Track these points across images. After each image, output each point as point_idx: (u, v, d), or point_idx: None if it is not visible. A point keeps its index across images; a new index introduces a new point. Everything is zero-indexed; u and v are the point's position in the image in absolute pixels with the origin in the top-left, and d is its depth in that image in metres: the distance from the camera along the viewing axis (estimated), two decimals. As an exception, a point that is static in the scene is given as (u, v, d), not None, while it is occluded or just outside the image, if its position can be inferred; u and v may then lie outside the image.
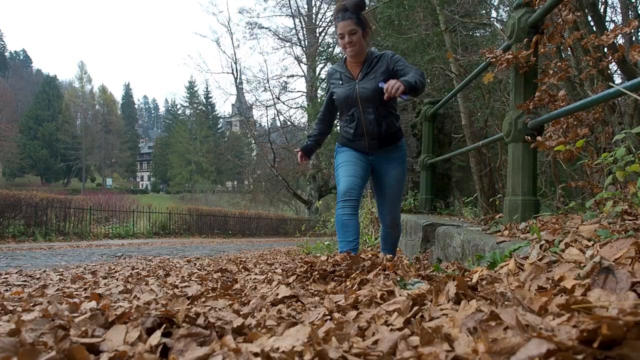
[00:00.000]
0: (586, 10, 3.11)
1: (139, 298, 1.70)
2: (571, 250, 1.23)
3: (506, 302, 0.97)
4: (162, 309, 1.14)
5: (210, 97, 62.40)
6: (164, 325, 0.99)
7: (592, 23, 3.20)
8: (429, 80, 8.04)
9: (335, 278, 1.71)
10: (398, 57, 2.56)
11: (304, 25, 22.42)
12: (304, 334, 0.86)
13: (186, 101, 63.29)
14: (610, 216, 1.47)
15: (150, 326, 0.98)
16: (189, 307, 1.28)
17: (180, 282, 2.24)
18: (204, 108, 62.12)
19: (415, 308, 1.01)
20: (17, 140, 46.49)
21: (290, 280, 1.70)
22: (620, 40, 3.42)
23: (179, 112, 65.67)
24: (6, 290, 2.10)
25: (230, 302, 1.43)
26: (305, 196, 22.99)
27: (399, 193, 2.71)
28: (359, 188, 2.52)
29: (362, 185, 2.57)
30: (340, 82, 2.61)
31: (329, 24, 19.78)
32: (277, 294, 1.46)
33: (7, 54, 70.44)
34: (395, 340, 0.78)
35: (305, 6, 22.47)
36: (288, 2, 22.05)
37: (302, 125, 21.85)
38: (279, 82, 23.46)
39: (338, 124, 2.88)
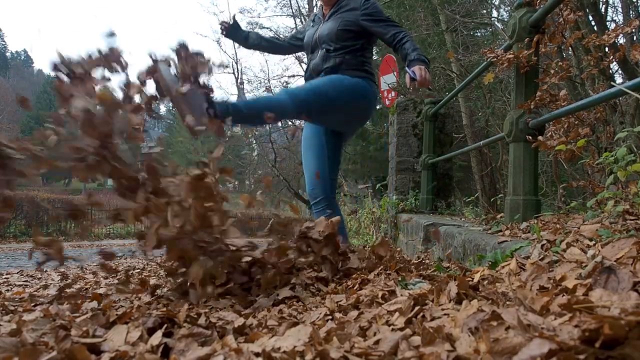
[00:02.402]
0: (587, 10, 3.10)
1: (140, 298, 1.70)
2: (573, 250, 1.22)
3: (508, 302, 0.97)
4: (163, 309, 1.14)
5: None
6: (165, 325, 1.00)
7: (593, 23, 3.20)
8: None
9: (336, 278, 1.71)
10: (374, 5, 2.29)
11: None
12: (305, 333, 0.86)
13: (187, 101, 63.22)
14: (611, 216, 1.47)
15: (151, 326, 0.98)
16: (190, 307, 1.28)
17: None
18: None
19: (417, 308, 1.00)
20: (18, 141, 46.54)
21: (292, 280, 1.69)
22: (621, 40, 3.41)
23: (180, 112, 65.59)
24: (7, 291, 2.11)
25: (231, 302, 1.43)
26: (307, 196, 22.98)
27: (316, 81, 2.25)
28: (322, 184, 2.33)
29: (327, 175, 2.35)
30: (312, 24, 2.48)
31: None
32: (278, 294, 1.46)
33: (8, 54, 70.56)
34: (397, 340, 0.78)
35: (306, 6, 22.42)
36: (289, 2, 22.01)
37: (303, 125, 21.79)
38: (280, 82, 23.43)
39: None
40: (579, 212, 1.99)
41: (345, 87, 2.20)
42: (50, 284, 2.41)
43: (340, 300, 1.28)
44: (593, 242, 1.25)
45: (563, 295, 0.87)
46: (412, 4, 7.78)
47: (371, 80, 2.33)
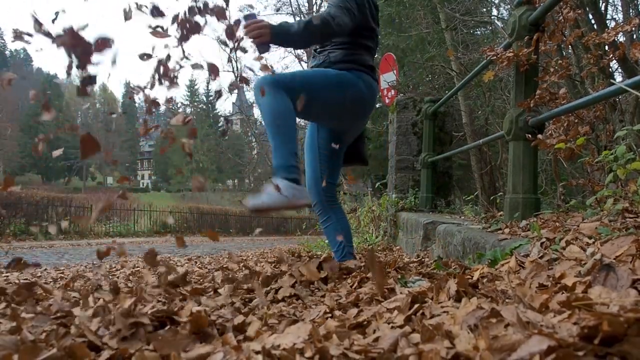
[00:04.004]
0: (587, 8, 3.10)
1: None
2: (572, 248, 1.23)
3: (507, 300, 0.97)
4: (164, 307, 1.14)
5: (211, 96, 62.35)
6: (166, 324, 1.00)
7: (593, 21, 3.20)
8: (429, 78, 8.01)
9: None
10: None
11: (304, 24, 22.29)
12: (305, 331, 0.86)
13: (187, 99, 63.29)
14: (611, 214, 1.47)
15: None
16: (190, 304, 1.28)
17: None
18: (204, 106, 62.10)
19: (416, 306, 1.01)
20: (18, 139, 46.56)
21: (291, 278, 1.69)
22: (621, 38, 3.41)
23: (180, 110, 65.65)
24: (7, 289, 2.10)
25: (231, 300, 1.43)
26: (306, 195, 22.89)
27: (299, 71, 2.13)
28: (314, 189, 2.26)
29: (319, 180, 2.27)
30: None
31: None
32: (278, 292, 1.46)
33: (7, 52, 70.39)
34: (396, 337, 0.78)
35: (306, 4, 22.38)
36: (289, 0, 21.98)
37: (302, 124, 21.77)
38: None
39: None
40: (578, 211, 1.99)
41: (329, 77, 2.04)
42: (50, 282, 2.41)
43: (340, 298, 1.28)
44: (592, 240, 1.25)
45: (562, 293, 0.87)
46: (412, 2, 7.76)
47: (361, 72, 2.12)
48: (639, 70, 2.80)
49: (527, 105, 2.23)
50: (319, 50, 2.20)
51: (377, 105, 9.93)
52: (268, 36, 1.84)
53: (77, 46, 1.13)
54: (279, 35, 1.88)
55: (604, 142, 2.56)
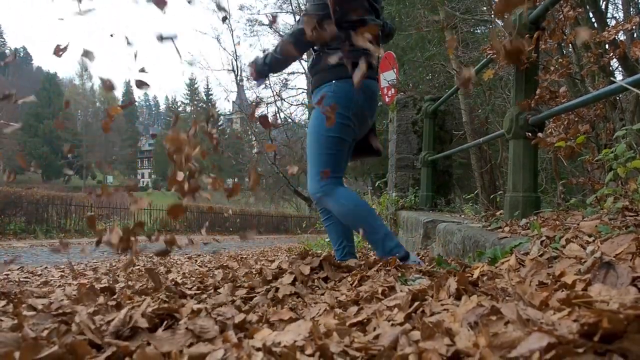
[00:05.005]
0: (587, 7, 3.10)
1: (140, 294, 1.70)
2: (572, 246, 1.23)
3: (507, 297, 0.97)
4: (164, 304, 1.14)
5: (211, 95, 62.40)
6: (166, 322, 1.00)
7: (593, 19, 3.19)
8: (429, 77, 8.00)
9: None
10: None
11: (304, 22, 22.18)
12: (306, 329, 0.86)
13: (187, 98, 63.34)
14: (611, 212, 1.47)
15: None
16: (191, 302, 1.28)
17: (181, 279, 2.25)
18: (204, 105, 62.08)
19: (416, 303, 1.01)
20: (18, 138, 46.57)
21: (291, 276, 1.70)
22: (621, 37, 3.41)
23: (180, 109, 65.60)
24: (8, 287, 2.10)
25: (232, 297, 1.43)
26: (306, 193, 22.95)
27: (310, 149, 2.05)
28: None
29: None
30: None
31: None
32: (278, 291, 1.46)
33: (7, 51, 70.33)
34: (397, 335, 0.78)
35: (306, 3, 22.28)
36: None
37: (302, 122, 21.76)
38: (279, 79, 23.37)
39: None
40: (578, 209, 1.99)
41: (334, 124, 1.88)
42: (50, 280, 2.42)
43: (340, 296, 1.29)
44: (592, 238, 1.26)
45: (562, 291, 0.88)
46: (412, 0, 7.75)
47: (345, 77, 1.97)
48: (639, 68, 2.80)
49: (528, 104, 2.23)
50: (315, 48, 2.18)
51: (378, 104, 9.92)
52: (254, 73, 2.04)
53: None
54: (259, 69, 2.06)
55: (604, 140, 2.56)
